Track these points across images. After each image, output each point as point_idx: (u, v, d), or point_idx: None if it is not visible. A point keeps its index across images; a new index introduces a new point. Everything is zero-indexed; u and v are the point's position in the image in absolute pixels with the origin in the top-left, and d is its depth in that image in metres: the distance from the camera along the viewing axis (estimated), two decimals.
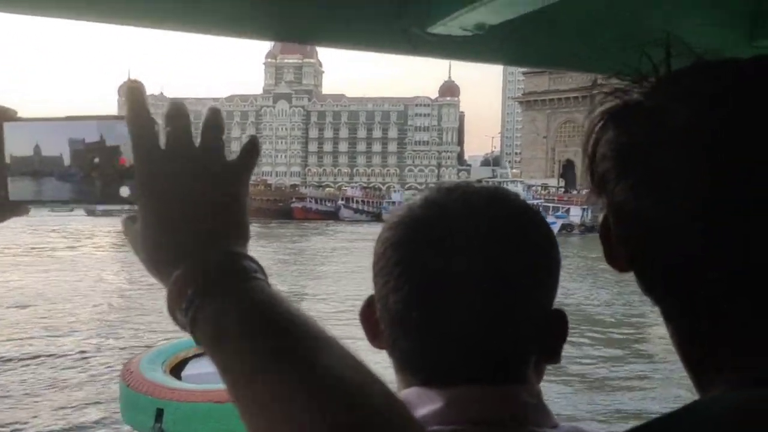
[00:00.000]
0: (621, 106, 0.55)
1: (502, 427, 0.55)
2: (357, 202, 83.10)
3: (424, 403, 0.56)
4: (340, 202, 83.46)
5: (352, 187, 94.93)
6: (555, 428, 0.57)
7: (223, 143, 0.52)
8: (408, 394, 0.57)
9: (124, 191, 0.56)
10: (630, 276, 0.49)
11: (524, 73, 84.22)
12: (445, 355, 0.57)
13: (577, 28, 0.98)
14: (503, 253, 0.57)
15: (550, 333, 0.60)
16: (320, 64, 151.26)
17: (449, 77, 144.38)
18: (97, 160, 0.57)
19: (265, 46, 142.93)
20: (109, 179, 0.57)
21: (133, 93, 0.51)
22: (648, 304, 0.47)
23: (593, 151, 0.53)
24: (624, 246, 0.51)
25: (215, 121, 0.52)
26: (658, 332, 13.30)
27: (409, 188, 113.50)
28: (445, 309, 0.56)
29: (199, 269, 0.48)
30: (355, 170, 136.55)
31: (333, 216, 79.80)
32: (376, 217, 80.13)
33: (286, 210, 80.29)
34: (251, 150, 0.54)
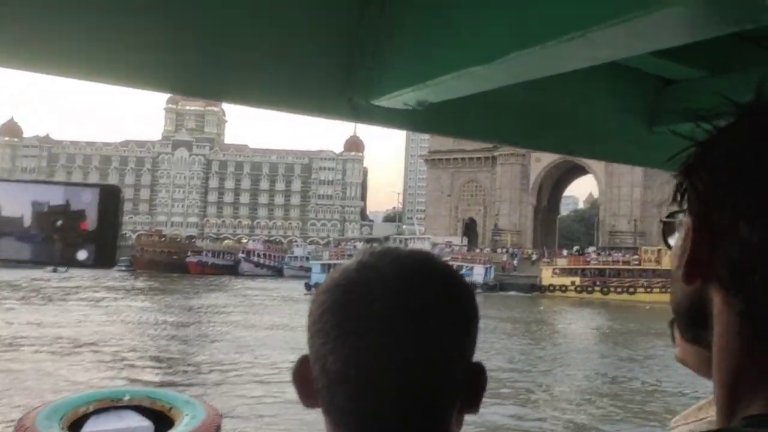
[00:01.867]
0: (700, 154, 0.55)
1: None
2: (258, 255, 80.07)
3: None
4: (240, 255, 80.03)
5: (254, 240, 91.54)
6: None
7: None
8: None
9: (82, 254, 0.57)
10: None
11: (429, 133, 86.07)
12: (382, 410, 0.60)
13: (505, 108, 1.13)
14: (434, 314, 0.62)
15: (471, 385, 0.65)
16: (223, 113, 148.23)
17: (354, 132, 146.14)
18: (60, 222, 0.58)
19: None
20: (69, 242, 0.58)
21: None
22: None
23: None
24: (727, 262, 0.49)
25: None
26: None
27: (312, 242, 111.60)
28: (381, 368, 0.60)
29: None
30: (256, 222, 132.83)
31: (232, 270, 76.19)
32: (278, 272, 77.64)
33: (182, 264, 75.87)
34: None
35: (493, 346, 21.90)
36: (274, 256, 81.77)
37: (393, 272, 0.63)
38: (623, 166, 67.64)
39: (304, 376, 0.65)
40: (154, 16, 0.80)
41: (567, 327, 32.98)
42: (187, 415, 5.80)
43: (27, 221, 0.58)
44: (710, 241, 0.49)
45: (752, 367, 0.47)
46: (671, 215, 0.60)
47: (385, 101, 0.94)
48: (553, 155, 72.16)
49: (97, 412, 6.59)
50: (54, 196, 0.58)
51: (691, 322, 0.54)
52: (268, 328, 25.94)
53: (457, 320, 0.64)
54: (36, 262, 0.61)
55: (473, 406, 0.66)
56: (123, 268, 74.72)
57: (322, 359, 0.62)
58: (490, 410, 12.72)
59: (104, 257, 0.63)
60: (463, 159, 78.73)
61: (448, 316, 0.63)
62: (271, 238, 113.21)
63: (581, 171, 77.21)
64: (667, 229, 0.61)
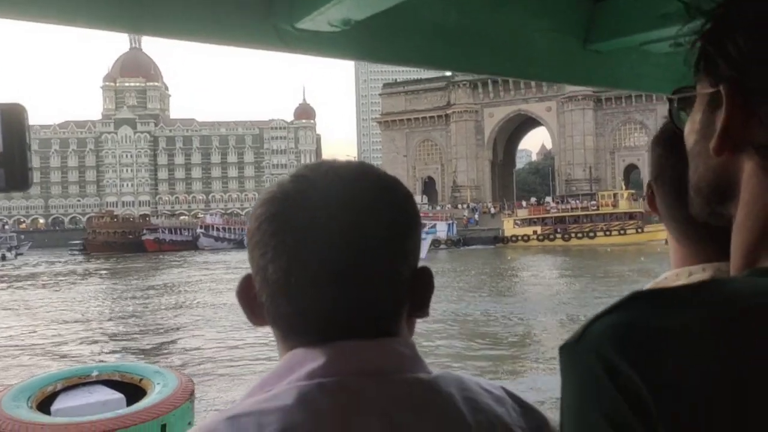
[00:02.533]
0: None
1: (380, 375, 0.61)
2: (218, 229, 78.54)
3: (308, 361, 0.61)
4: (198, 230, 78.37)
5: (211, 215, 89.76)
6: (429, 374, 0.64)
7: None
8: (292, 355, 0.63)
9: None
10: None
11: (381, 94, 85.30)
12: (324, 315, 0.61)
13: (433, 30, 1.09)
14: (373, 219, 0.62)
15: (418, 288, 0.66)
16: (166, 87, 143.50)
17: (304, 100, 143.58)
18: None
19: (101, 69, 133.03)
20: None
21: None
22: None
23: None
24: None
25: None
26: None
27: None
28: (322, 273, 0.60)
29: None
30: (211, 197, 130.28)
31: (191, 245, 74.64)
32: (239, 244, 76.43)
33: (137, 243, 73.84)
34: None
35: (462, 298, 22.07)
36: (234, 229, 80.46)
37: (330, 179, 0.63)
38: (574, 115, 69.26)
39: (248, 293, 0.65)
40: None
41: (537, 274, 33.52)
42: (158, 384, 5.64)
43: None
44: (745, 107, 0.48)
45: None
46: (680, 90, 0.60)
47: (309, 23, 0.91)
48: (507, 109, 72.80)
49: (66, 389, 6.40)
50: None
51: (714, 195, 0.54)
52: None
53: (399, 223, 0.64)
54: None
55: (421, 309, 0.67)
56: (76, 252, 72.41)
57: (263, 270, 0.62)
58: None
59: (16, 179, 0.60)
60: (416, 119, 78.36)
61: (389, 221, 0.63)
62: (228, 211, 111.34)
63: (534, 123, 78.00)
64: (681, 104, 0.60)
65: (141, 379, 5.99)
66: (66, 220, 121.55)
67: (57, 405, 6.34)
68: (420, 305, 0.67)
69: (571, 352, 0.45)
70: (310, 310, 0.61)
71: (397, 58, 1.18)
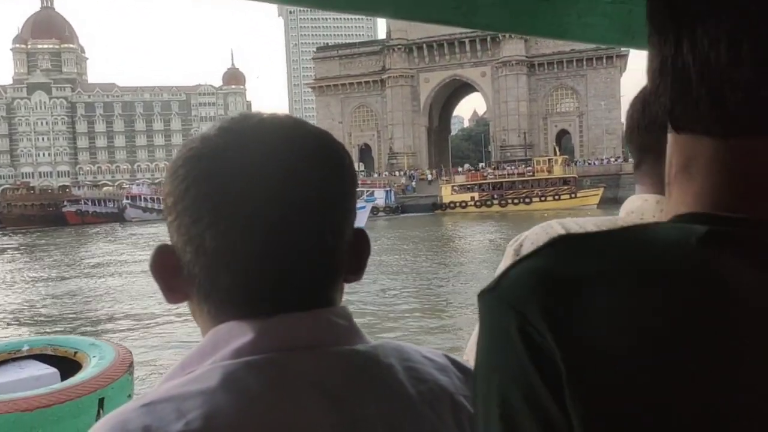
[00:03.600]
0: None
1: (313, 349, 0.57)
2: (145, 200, 75.00)
3: (235, 337, 0.56)
4: (125, 201, 74.56)
5: (138, 184, 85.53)
6: (366, 345, 0.60)
7: None
8: (215, 332, 0.57)
9: None
10: None
11: (314, 58, 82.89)
12: (268, 284, 0.57)
13: None
14: (313, 175, 0.58)
15: (355, 251, 0.62)
16: (83, 50, 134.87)
17: (233, 64, 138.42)
18: None
19: (11, 30, 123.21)
20: None
21: None
22: None
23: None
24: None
25: None
26: None
27: None
28: (267, 238, 0.56)
29: None
30: (136, 166, 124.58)
31: (117, 217, 71.08)
32: None
33: (58, 215, 69.63)
34: None
35: (403, 269, 21.73)
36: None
37: (262, 132, 0.58)
38: (508, 80, 69.42)
39: (165, 267, 0.59)
40: None
41: (474, 240, 33.51)
42: (94, 356, 5.33)
43: None
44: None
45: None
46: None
47: None
48: (442, 74, 72.32)
49: None
50: None
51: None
52: None
53: (341, 177, 0.60)
54: None
55: (357, 272, 0.63)
56: None
57: (197, 239, 0.56)
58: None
59: None
60: (351, 84, 76.83)
61: (334, 172, 0.59)
62: (156, 181, 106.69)
63: (469, 89, 78.02)
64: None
65: (75, 353, 5.69)
66: None
67: None
68: (356, 269, 0.63)
69: (485, 300, 0.43)
70: (255, 280, 0.56)
71: (352, 6, 1.13)
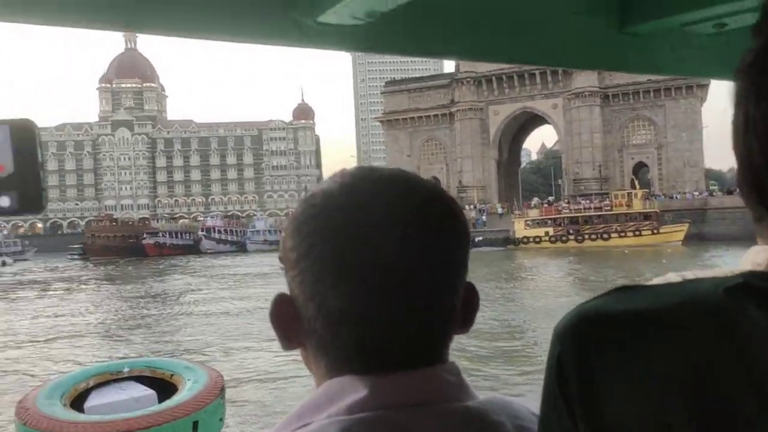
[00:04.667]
0: None
1: (425, 406, 0.57)
2: (219, 232, 77.09)
3: (349, 393, 0.57)
4: (200, 233, 76.94)
5: (212, 217, 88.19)
6: (475, 400, 0.60)
7: None
8: (329, 385, 0.58)
9: (3, 201, 0.52)
10: None
11: (383, 93, 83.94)
12: (386, 344, 0.58)
13: (460, 19, 1.04)
14: (438, 233, 0.59)
15: (464, 306, 0.63)
16: (163, 89, 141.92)
17: (302, 100, 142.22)
18: None
19: (98, 70, 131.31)
20: None
21: None
22: None
23: None
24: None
25: None
26: None
27: (271, 214, 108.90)
28: (388, 299, 0.56)
29: None
30: (210, 199, 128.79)
31: (193, 249, 73.23)
32: (241, 248, 75.19)
33: (138, 246, 72.45)
34: None
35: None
36: (236, 231, 79.05)
37: (384, 193, 0.59)
38: (581, 111, 67.87)
39: (285, 317, 0.61)
40: None
41: (555, 279, 32.24)
42: (189, 380, 5.58)
43: None
44: None
45: None
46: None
47: (331, 16, 0.87)
48: (512, 107, 71.51)
49: (98, 386, 6.51)
50: None
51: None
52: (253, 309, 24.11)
53: (458, 233, 0.61)
54: None
55: (466, 325, 0.64)
56: (76, 257, 70.94)
57: (320, 297, 0.57)
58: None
59: (29, 201, 0.57)
60: (420, 117, 77.08)
61: (450, 229, 0.60)
62: (228, 213, 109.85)
63: (538, 121, 76.78)
64: None
65: (172, 375, 5.92)
66: (64, 224, 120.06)
67: (90, 402, 6.41)
68: (465, 322, 0.64)
69: (553, 333, 0.49)
70: (373, 339, 0.57)
71: (423, 50, 1.13)
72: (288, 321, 0.60)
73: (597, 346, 0.45)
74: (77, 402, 6.38)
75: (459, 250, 0.60)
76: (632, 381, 0.42)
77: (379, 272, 0.56)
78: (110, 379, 6.49)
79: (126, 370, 6.24)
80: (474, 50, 1.14)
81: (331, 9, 0.85)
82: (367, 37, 0.96)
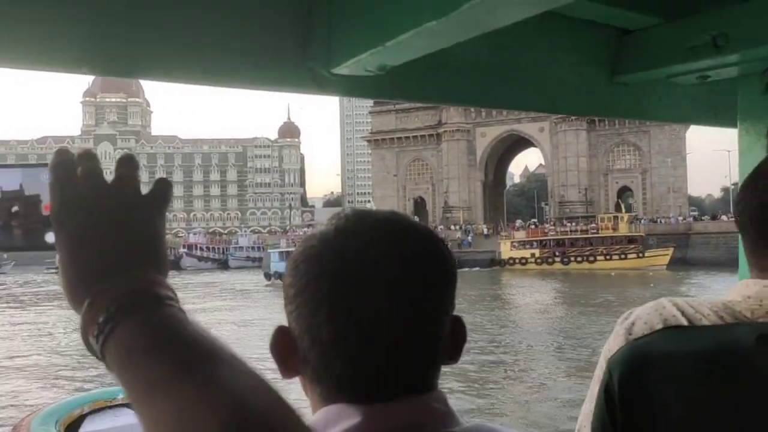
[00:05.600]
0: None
1: None
2: (201, 249, 75.85)
3: (344, 419, 0.60)
4: (181, 250, 75.58)
5: (194, 233, 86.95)
6: (462, 427, 0.63)
7: (136, 178, 0.56)
8: (329, 411, 0.62)
9: (50, 237, 0.53)
10: None
11: (371, 112, 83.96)
12: (377, 374, 0.61)
13: (465, 69, 1.12)
14: (426, 271, 0.64)
15: (454, 337, 0.67)
16: (148, 104, 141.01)
17: (288, 118, 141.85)
18: (15, 208, 0.54)
19: (82, 84, 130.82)
20: (30, 227, 0.54)
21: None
22: None
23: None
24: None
25: (129, 159, 0.56)
26: None
27: (254, 231, 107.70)
28: (379, 332, 0.61)
29: (111, 295, 0.49)
30: (192, 215, 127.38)
31: (173, 266, 71.77)
32: (223, 265, 74.08)
33: None
34: (164, 186, 0.57)
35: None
36: (219, 248, 77.87)
37: (377, 237, 0.63)
38: (567, 135, 68.45)
39: (282, 347, 0.65)
40: None
41: (543, 302, 31.88)
42: None
43: None
44: None
45: None
46: None
47: (345, 68, 0.92)
48: (499, 129, 71.81)
49: (93, 412, 6.61)
50: (7, 181, 0.55)
51: None
52: (238, 325, 23.36)
53: (446, 273, 0.66)
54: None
55: (454, 357, 0.68)
56: (53, 270, 69.31)
57: (314, 330, 0.61)
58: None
59: None
60: (407, 137, 77.05)
61: (438, 270, 0.65)
62: (210, 230, 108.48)
63: (525, 144, 77.14)
64: None
65: None
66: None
67: (85, 428, 6.54)
68: (453, 354, 0.68)
69: (607, 361, 0.60)
70: (366, 370, 0.61)
71: (431, 98, 1.22)
72: (286, 351, 0.64)
73: (643, 380, 0.52)
74: (72, 429, 6.51)
75: (446, 289, 0.65)
76: (671, 413, 0.48)
77: (369, 310, 0.60)
78: (104, 405, 6.58)
79: (120, 396, 6.16)
80: (478, 98, 1.25)
81: (345, 63, 0.90)
82: (376, 87, 1.02)
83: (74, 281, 0.52)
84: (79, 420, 6.65)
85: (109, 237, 0.52)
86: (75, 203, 0.53)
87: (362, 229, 0.64)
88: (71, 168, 0.54)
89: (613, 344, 0.74)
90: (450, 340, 0.66)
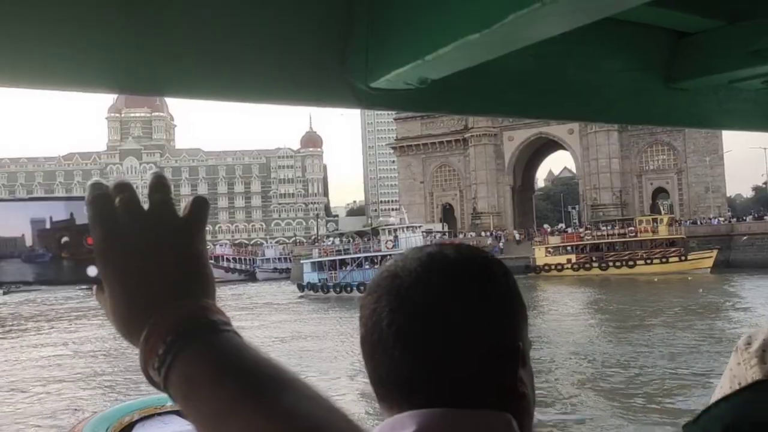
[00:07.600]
0: None
1: None
2: (228, 260, 75.43)
3: (395, 429, 0.62)
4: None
5: (221, 245, 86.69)
6: None
7: (171, 202, 0.56)
8: (385, 423, 0.64)
9: (92, 271, 0.54)
10: None
11: (396, 119, 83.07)
12: (432, 388, 0.63)
13: (510, 79, 1.08)
14: (489, 304, 0.66)
15: (510, 367, 0.66)
16: (171, 118, 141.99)
17: (310, 128, 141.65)
18: (65, 239, 0.55)
19: (107, 100, 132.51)
20: (78, 258, 0.55)
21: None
22: None
23: None
24: None
25: (161, 182, 0.57)
26: None
27: (279, 242, 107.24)
28: (442, 356, 0.63)
29: (167, 326, 0.50)
30: (218, 227, 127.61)
31: None
32: (251, 276, 73.45)
33: None
34: (200, 205, 0.58)
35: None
36: (246, 260, 77.38)
37: (441, 274, 0.66)
38: (598, 137, 66.61)
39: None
40: (125, 11, 0.74)
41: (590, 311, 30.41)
42: None
43: (29, 240, 0.55)
44: None
45: None
46: None
47: (384, 82, 0.91)
48: (527, 132, 70.27)
49: (143, 419, 6.63)
50: (56, 212, 0.56)
51: None
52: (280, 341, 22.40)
53: (501, 299, 0.68)
54: (45, 283, 0.57)
55: (515, 384, 0.67)
56: (84, 287, 69.27)
57: (372, 363, 0.66)
58: None
59: None
60: (433, 144, 75.95)
61: (492, 298, 0.67)
62: (236, 242, 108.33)
63: (553, 147, 75.55)
64: None
65: None
66: None
67: None
68: (513, 382, 0.67)
69: (686, 428, 0.56)
70: (419, 381, 0.64)
71: (475, 110, 1.17)
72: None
73: None
74: None
75: (506, 316, 0.67)
76: None
77: (423, 340, 0.63)
78: (154, 412, 6.63)
79: (169, 404, 5.94)
80: (524, 109, 1.18)
81: (385, 76, 0.89)
82: (418, 99, 1.00)
83: (127, 314, 0.52)
84: (130, 426, 6.66)
85: (156, 266, 0.52)
86: (117, 236, 0.53)
87: (432, 266, 0.67)
88: (109, 200, 0.54)
89: (739, 372, 0.68)
90: (505, 365, 0.68)
